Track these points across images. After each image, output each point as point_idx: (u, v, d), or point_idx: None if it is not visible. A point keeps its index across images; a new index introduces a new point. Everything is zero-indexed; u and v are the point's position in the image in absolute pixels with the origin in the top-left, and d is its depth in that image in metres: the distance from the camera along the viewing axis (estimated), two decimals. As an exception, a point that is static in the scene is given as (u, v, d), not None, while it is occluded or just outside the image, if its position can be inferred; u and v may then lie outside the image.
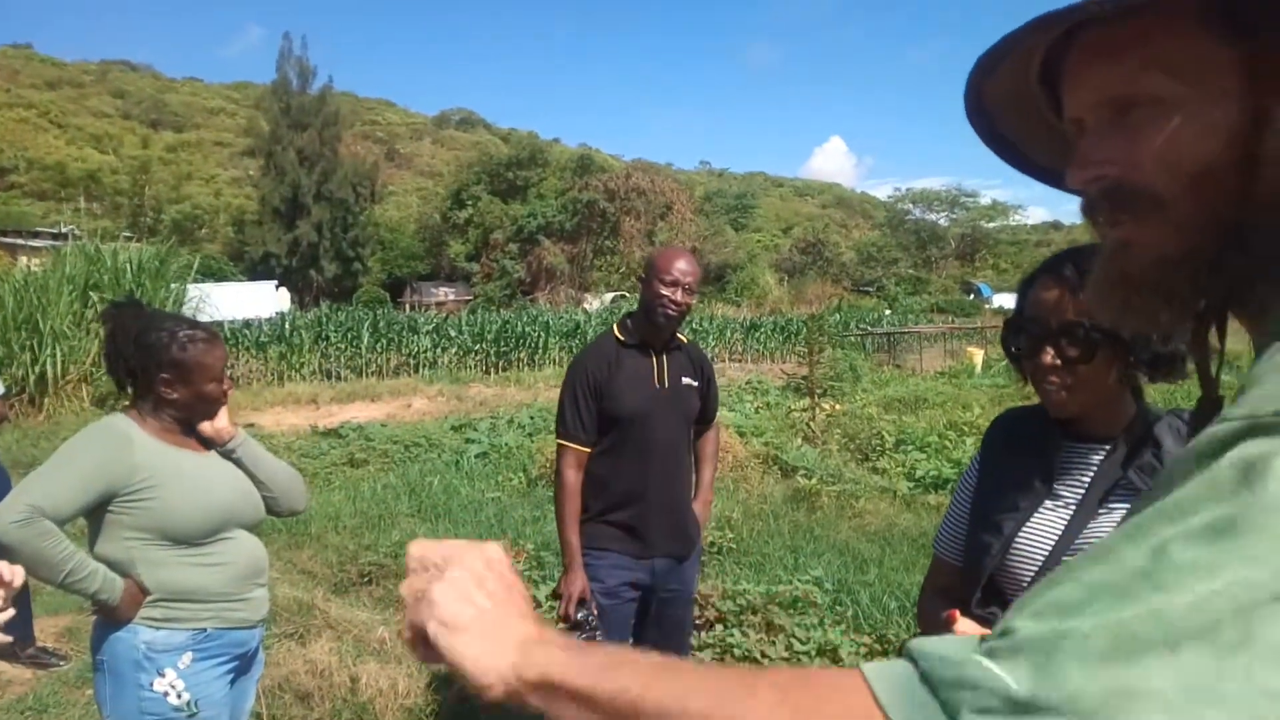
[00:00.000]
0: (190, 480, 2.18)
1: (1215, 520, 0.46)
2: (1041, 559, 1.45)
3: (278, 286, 37.56)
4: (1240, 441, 0.48)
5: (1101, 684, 0.44)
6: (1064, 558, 1.41)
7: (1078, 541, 1.42)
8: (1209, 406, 0.75)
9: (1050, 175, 0.83)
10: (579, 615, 2.74)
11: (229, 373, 2.35)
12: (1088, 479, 1.47)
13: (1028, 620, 0.49)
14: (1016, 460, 1.56)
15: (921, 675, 0.51)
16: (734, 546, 5.83)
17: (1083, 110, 0.68)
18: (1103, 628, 0.45)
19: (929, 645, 0.52)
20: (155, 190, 60.87)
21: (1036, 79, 0.75)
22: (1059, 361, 1.43)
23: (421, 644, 0.72)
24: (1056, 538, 1.44)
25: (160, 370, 2.18)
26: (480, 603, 0.70)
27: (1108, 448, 1.47)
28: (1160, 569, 0.46)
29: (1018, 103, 0.78)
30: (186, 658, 2.15)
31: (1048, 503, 1.49)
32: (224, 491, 2.26)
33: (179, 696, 2.12)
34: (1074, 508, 1.45)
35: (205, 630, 2.18)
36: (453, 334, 22.89)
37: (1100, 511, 1.43)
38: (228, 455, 2.31)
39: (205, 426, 2.27)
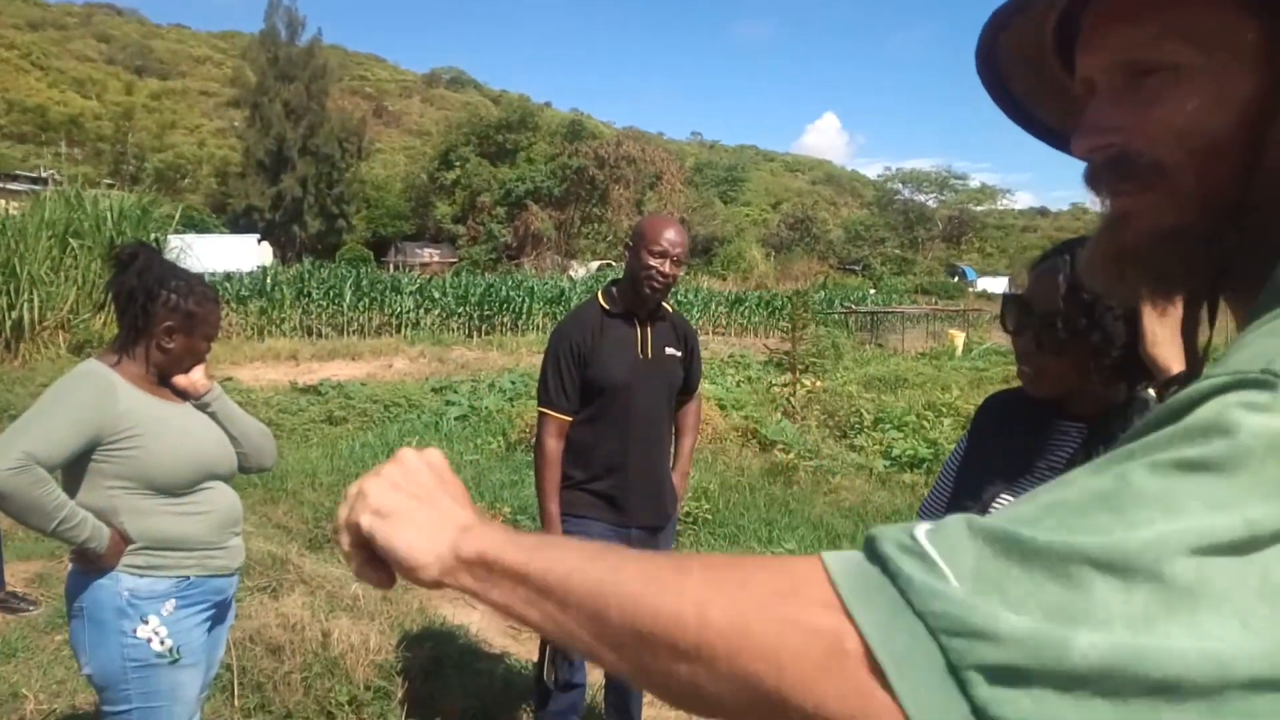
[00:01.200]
0: (172, 430, 2.18)
1: (1186, 458, 0.45)
2: None
3: (260, 240, 37.19)
4: (1223, 393, 0.47)
5: (1043, 601, 0.44)
6: None
7: None
8: (1190, 381, 0.76)
9: (1056, 138, 0.81)
10: (554, 580, 2.75)
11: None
12: (1067, 455, 1.53)
13: (983, 529, 0.48)
14: (1004, 437, 1.63)
15: (871, 554, 0.50)
16: (710, 518, 5.88)
17: (1095, 71, 0.66)
18: (1055, 544, 0.45)
19: (888, 530, 0.51)
20: (138, 138, 59.86)
21: (1052, 37, 0.73)
22: (1033, 348, 1.51)
23: (356, 549, 0.71)
24: None
25: (168, 318, 2.19)
26: (415, 491, 0.70)
27: (1083, 427, 1.54)
28: (1121, 494, 0.46)
29: (1030, 60, 0.76)
30: (169, 605, 2.16)
31: (1027, 475, 1.54)
32: (204, 443, 2.26)
33: (162, 643, 2.13)
34: (1049, 479, 1.49)
35: (188, 578, 2.20)
36: (436, 296, 22.78)
37: None
38: (202, 408, 2.32)
39: (180, 379, 2.27)
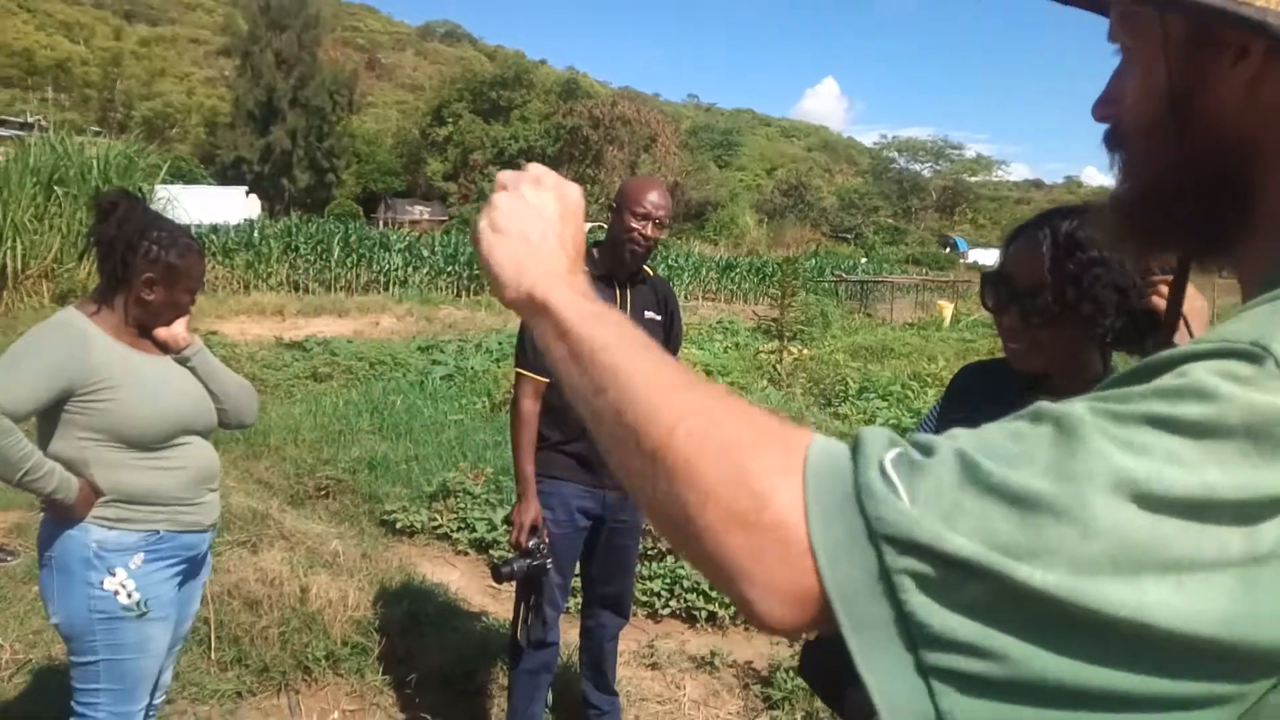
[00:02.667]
0: (147, 384, 2.16)
1: (1157, 413, 0.46)
2: None
3: (248, 193, 36.84)
4: (1205, 359, 0.48)
5: (993, 533, 0.45)
6: None
7: None
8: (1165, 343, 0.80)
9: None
10: (530, 543, 2.77)
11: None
12: None
13: (956, 452, 0.49)
14: (977, 407, 1.60)
15: (852, 449, 0.52)
16: (691, 482, 5.90)
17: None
18: (1012, 481, 0.46)
19: (877, 434, 0.53)
20: (126, 85, 59.02)
21: None
22: (1021, 323, 1.48)
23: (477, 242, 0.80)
24: None
25: (149, 270, 2.16)
26: (533, 220, 0.77)
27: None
28: (1086, 440, 0.46)
29: None
30: (138, 558, 2.16)
31: None
32: (180, 398, 2.24)
33: (129, 596, 2.14)
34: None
35: (157, 532, 2.19)
36: (425, 254, 22.64)
37: None
38: (182, 362, 2.29)
39: (161, 332, 2.25)
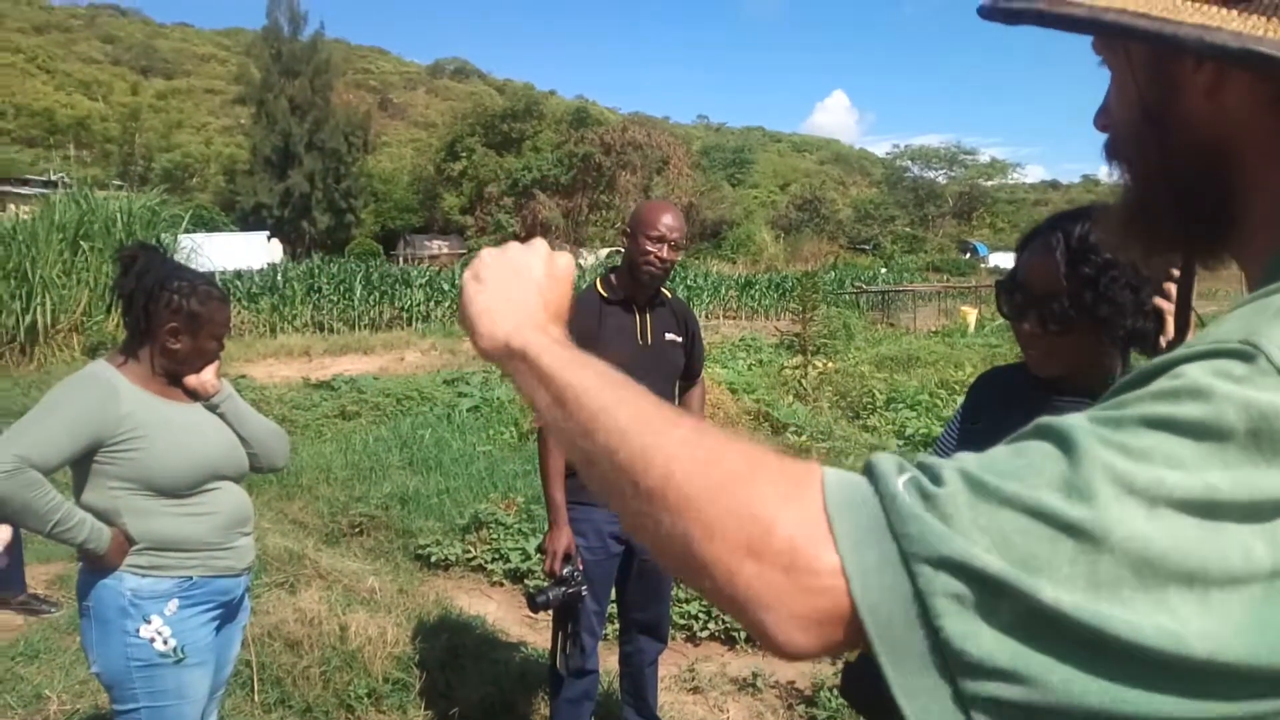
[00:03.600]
0: (177, 432, 2.18)
1: (1155, 415, 0.46)
2: None
3: (269, 237, 37.26)
4: (1199, 360, 0.48)
5: (1013, 548, 0.45)
6: None
7: None
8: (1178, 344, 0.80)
9: None
10: (565, 571, 2.77)
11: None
12: None
13: (964, 472, 0.49)
14: (1000, 413, 1.60)
15: (868, 474, 0.52)
16: (722, 502, 5.87)
17: None
18: (1024, 495, 0.46)
19: (887, 457, 0.53)
20: (145, 138, 60.12)
21: None
22: (1040, 331, 1.48)
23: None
24: None
25: (172, 319, 2.19)
26: (517, 278, 0.80)
27: (1088, 402, 1.50)
28: (1089, 450, 0.46)
29: None
30: (172, 605, 2.17)
31: None
32: (210, 445, 2.26)
33: (165, 643, 2.15)
34: None
35: (191, 578, 2.21)
36: (446, 287, 22.79)
37: None
38: (212, 409, 2.32)
39: (191, 379, 2.27)
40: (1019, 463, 0.48)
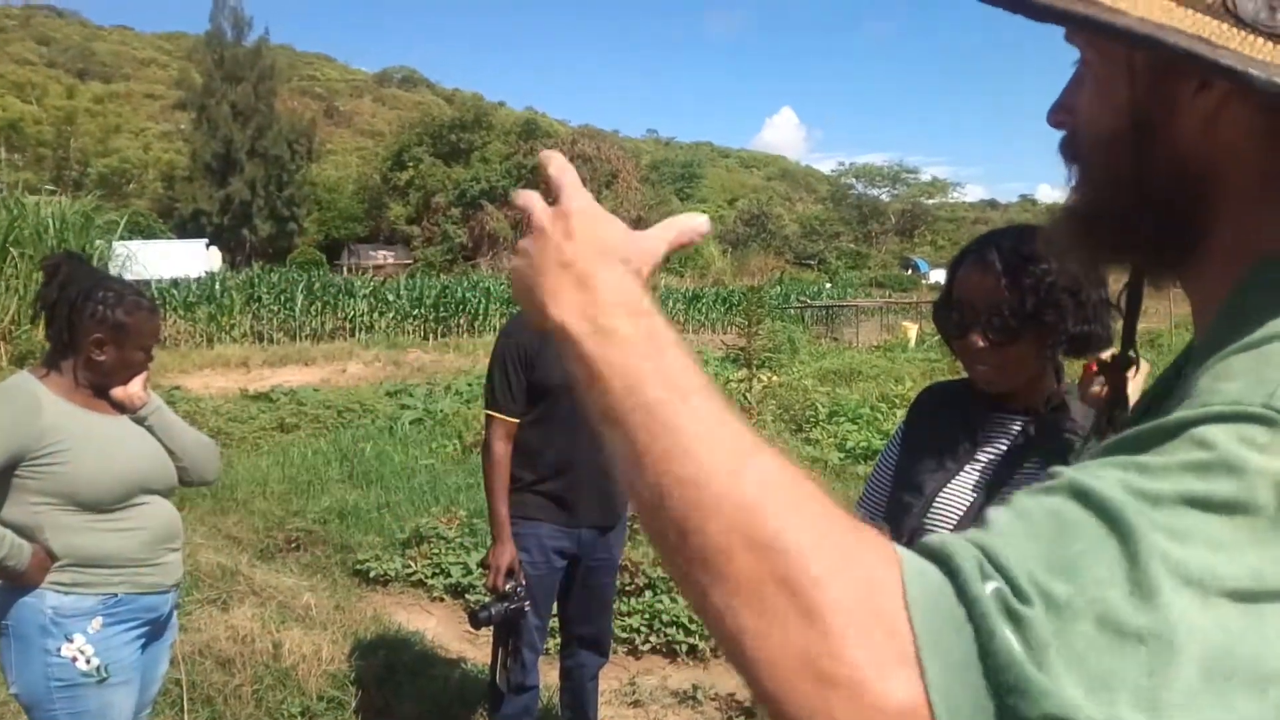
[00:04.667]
0: (102, 445, 2.12)
1: (1193, 494, 0.44)
2: (958, 518, 1.52)
3: (208, 245, 36.54)
4: (1220, 422, 0.47)
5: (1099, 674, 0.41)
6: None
7: (996, 500, 1.49)
8: (1125, 362, 0.82)
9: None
10: (507, 586, 2.75)
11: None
12: (1006, 445, 1.55)
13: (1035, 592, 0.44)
14: (941, 428, 1.63)
15: (956, 587, 0.45)
16: (666, 515, 5.88)
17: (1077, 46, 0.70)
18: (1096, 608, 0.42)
19: (968, 560, 0.45)
20: (81, 142, 58.49)
21: None
22: (986, 344, 1.50)
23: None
24: (973, 499, 1.52)
25: (97, 330, 2.12)
26: (579, 240, 0.66)
27: (1027, 417, 1.56)
28: (1144, 546, 0.43)
29: None
30: (96, 623, 2.11)
31: (968, 467, 1.56)
32: (137, 458, 2.20)
33: (88, 662, 2.08)
34: (992, 471, 1.54)
35: (116, 595, 2.14)
36: (391, 298, 22.55)
37: (1016, 475, 1.51)
38: (140, 422, 2.25)
39: (118, 391, 2.21)
40: (1074, 548, 0.44)
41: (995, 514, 0.48)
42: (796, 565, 0.45)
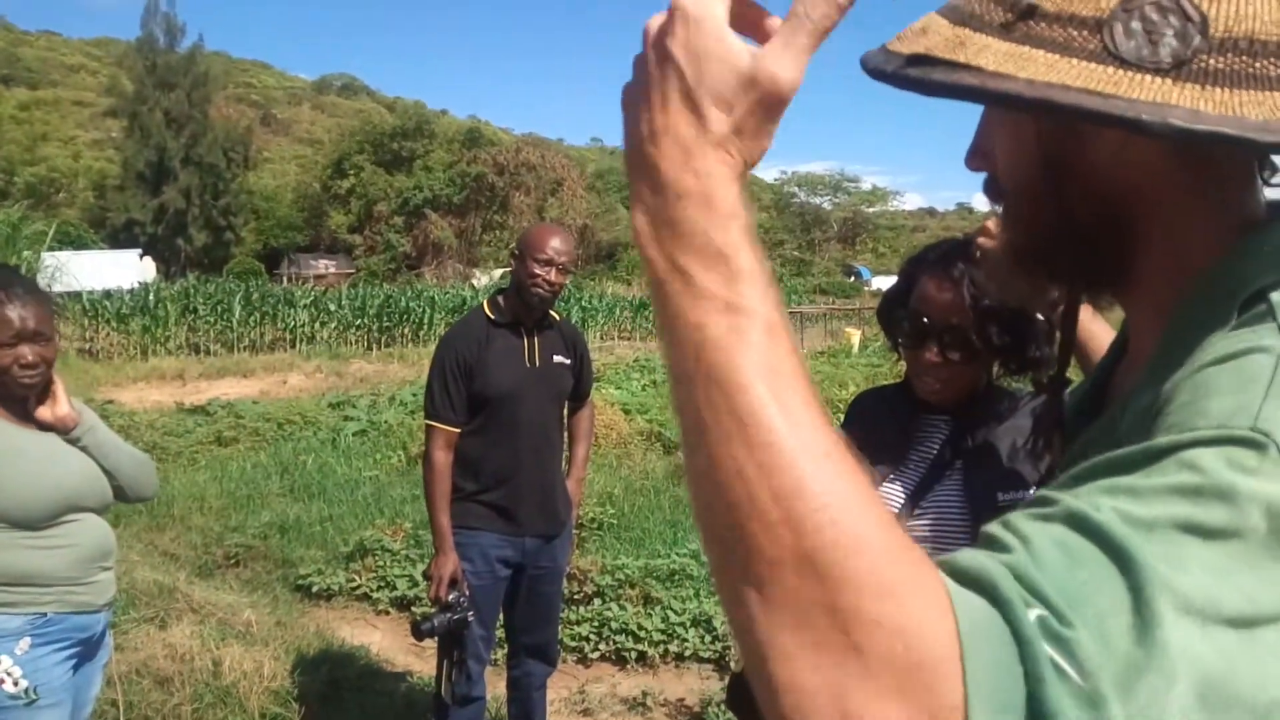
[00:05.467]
0: (31, 462, 2.06)
1: (1187, 521, 0.44)
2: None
3: (142, 256, 35.63)
4: (1208, 446, 0.47)
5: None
6: (911, 518, 1.53)
7: (924, 502, 1.55)
8: (1058, 380, 0.85)
9: None
10: (450, 597, 2.73)
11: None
12: (936, 447, 1.60)
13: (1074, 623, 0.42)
14: (874, 432, 1.67)
15: (1015, 631, 0.42)
16: (615, 522, 5.90)
17: None
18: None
19: (1015, 597, 0.42)
20: (7, 151, 56.51)
21: None
22: (940, 360, 1.53)
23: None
24: (904, 498, 1.57)
25: None
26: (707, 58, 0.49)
27: (950, 419, 1.61)
28: (1146, 576, 0.43)
29: None
30: (24, 643, 2.04)
31: (900, 468, 1.61)
32: (68, 474, 2.13)
33: (15, 684, 2.01)
34: (922, 471, 1.59)
35: (45, 615, 2.07)
36: (332, 308, 22.23)
37: (945, 476, 1.56)
38: (73, 443, 2.17)
39: (43, 412, 2.12)
40: (1079, 577, 0.43)
41: (1002, 534, 0.47)
42: (850, 597, 0.41)
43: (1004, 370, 1.59)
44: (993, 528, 0.48)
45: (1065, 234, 0.65)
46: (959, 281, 1.50)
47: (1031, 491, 1.35)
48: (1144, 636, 0.41)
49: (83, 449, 2.18)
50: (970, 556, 0.45)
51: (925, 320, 1.54)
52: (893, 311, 1.63)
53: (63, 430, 2.15)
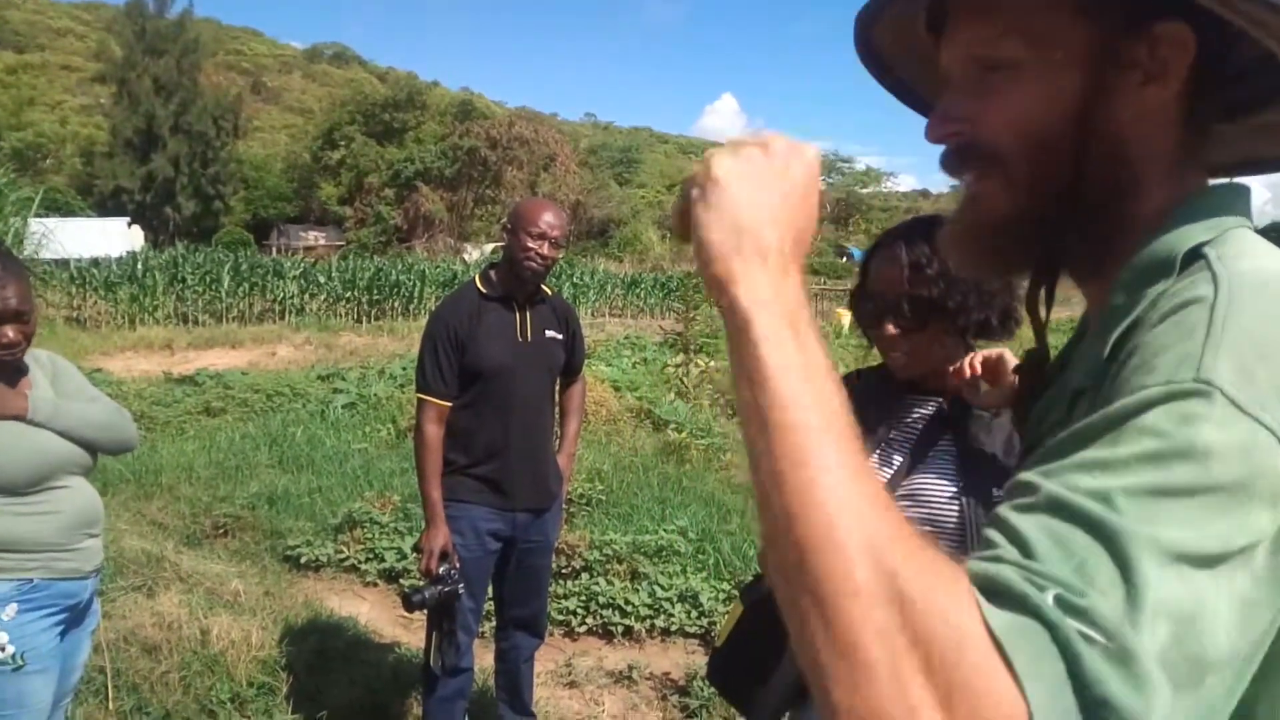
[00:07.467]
0: (12, 429, 2.04)
1: (1160, 485, 0.48)
2: None
3: (130, 224, 35.34)
4: (1162, 404, 0.50)
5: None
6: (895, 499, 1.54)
7: (906, 482, 1.58)
8: (1039, 356, 0.85)
9: None
10: (441, 569, 2.74)
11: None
12: (919, 428, 1.63)
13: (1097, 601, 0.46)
14: (861, 412, 1.67)
15: (1054, 635, 0.45)
16: (604, 498, 5.91)
17: (953, 64, 0.70)
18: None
19: (1049, 599, 0.46)
20: (-9, 114, 55.85)
21: (925, 27, 0.75)
22: (898, 331, 1.58)
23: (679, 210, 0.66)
24: (887, 479, 1.59)
25: None
26: (756, 192, 0.63)
27: (939, 401, 1.63)
28: (1129, 542, 0.47)
29: (912, 47, 0.79)
30: (11, 609, 2.04)
31: (884, 448, 1.64)
32: (51, 441, 2.12)
33: (2, 650, 2.01)
34: (906, 451, 1.62)
35: (31, 581, 2.07)
36: (322, 280, 22.10)
37: (929, 455, 1.59)
38: (41, 428, 2.11)
39: None
40: (1074, 560, 0.47)
41: (998, 538, 0.50)
42: (903, 622, 0.45)
43: (965, 335, 1.61)
44: (989, 531, 0.52)
45: (1072, 197, 0.65)
46: (898, 256, 1.57)
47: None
48: (1137, 599, 0.45)
49: (55, 432, 2.14)
50: (982, 567, 0.49)
51: (876, 298, 1.62)
52: (855, 299, 1.70)
53: (21, 418, 2.09)
